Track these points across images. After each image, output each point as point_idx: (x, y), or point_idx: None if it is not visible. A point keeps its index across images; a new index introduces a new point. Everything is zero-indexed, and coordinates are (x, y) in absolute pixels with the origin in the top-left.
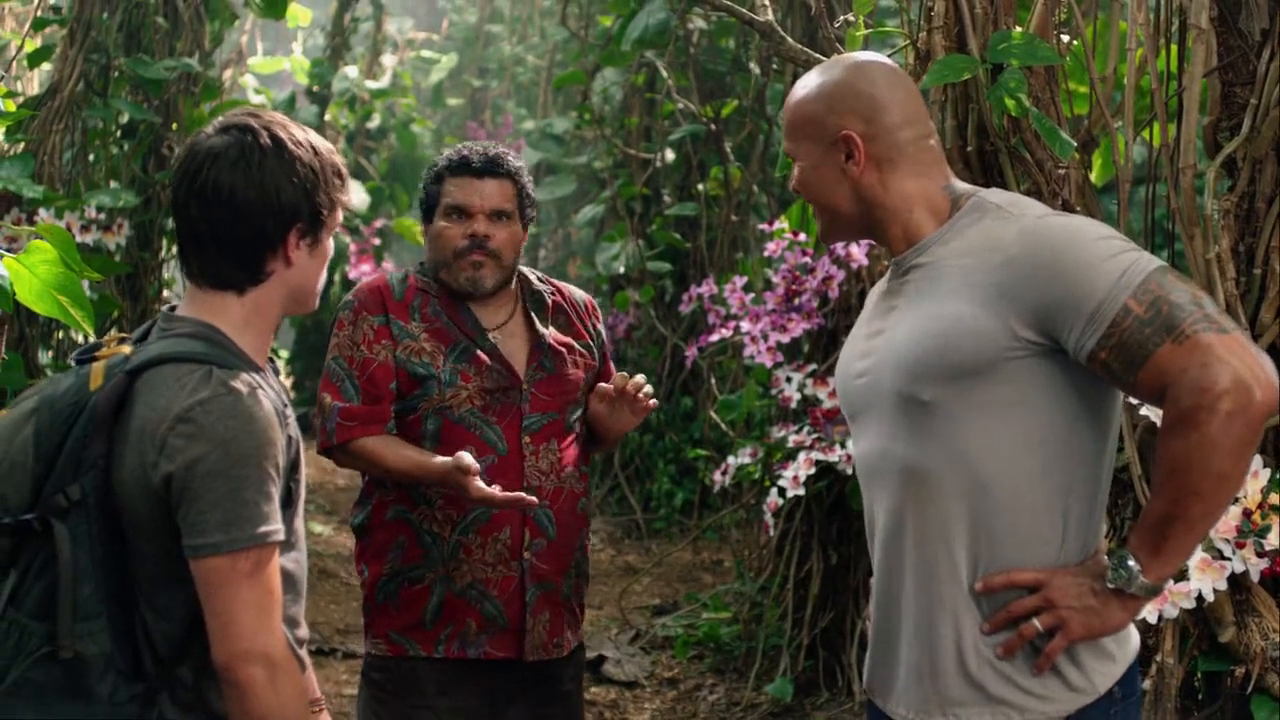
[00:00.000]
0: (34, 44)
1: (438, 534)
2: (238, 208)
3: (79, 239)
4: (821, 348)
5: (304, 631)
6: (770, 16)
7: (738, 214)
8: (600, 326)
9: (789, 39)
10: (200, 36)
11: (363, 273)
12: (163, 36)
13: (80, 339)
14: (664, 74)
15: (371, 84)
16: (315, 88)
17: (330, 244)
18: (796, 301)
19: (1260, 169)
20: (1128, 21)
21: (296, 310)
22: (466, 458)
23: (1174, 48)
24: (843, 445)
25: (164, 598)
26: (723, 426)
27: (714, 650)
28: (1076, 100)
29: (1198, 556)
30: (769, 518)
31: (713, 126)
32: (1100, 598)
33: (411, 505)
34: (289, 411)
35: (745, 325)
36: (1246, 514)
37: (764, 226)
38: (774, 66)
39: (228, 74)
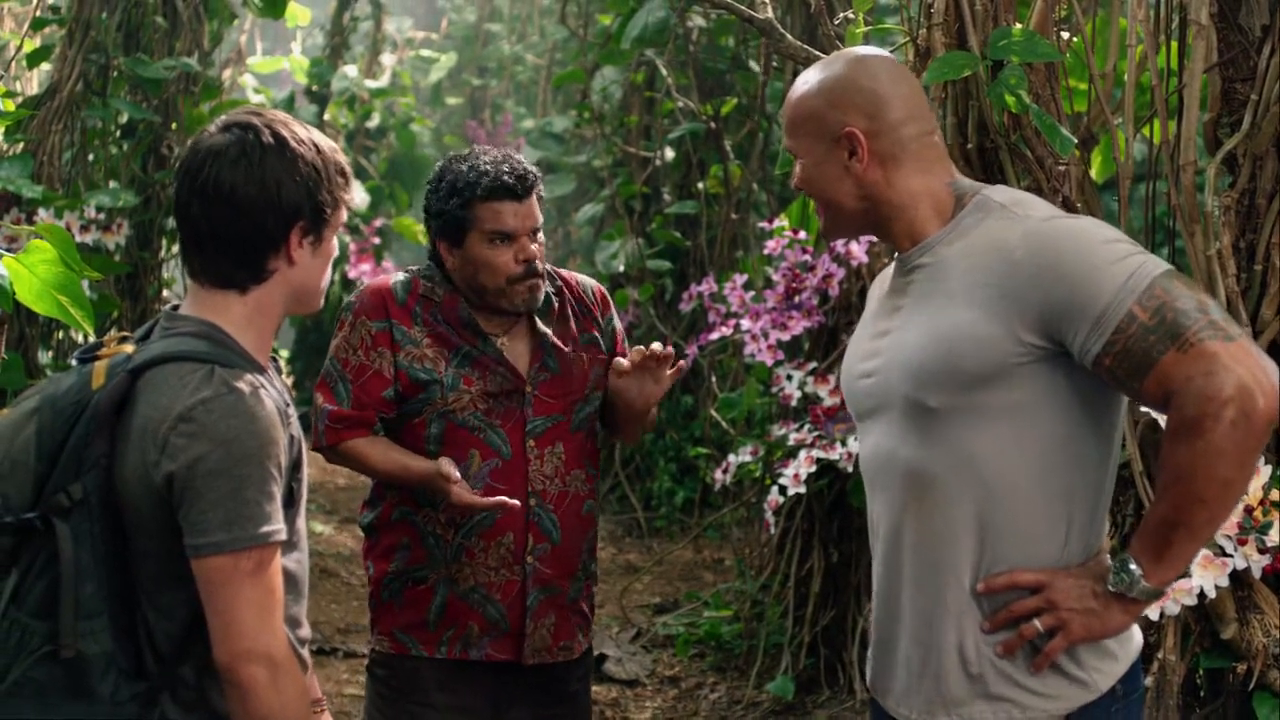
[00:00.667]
0: (33, 44)
1: (441, 536)
2: (239, 205)
3: (79, 239)
4: (822, 345)
5: (306, 631)
6: (770, 14)
7: (738, 212)
8: (613, 317)
9: (789, 36)
10: (199, 36)
11: (362, 272)
12: (162, 36)
13: (80, 339)
14: (663, 72)
15: (371, 83)
16: (314, 87)
17: (334, 243)
18: (797, 299)
19: (1261, 165)
20: (1128, 18)
21: (300, 310)
22: (447, 464)
23: (1174, 44)
24: (844, 443)
25: (166, 597)
26: (723, 425)
27: (715, 648)
28: (1077, 97)
29: (1199, 553)
30: (770, 516)
31: (712, 125)
32: (1101, 600)
33: (416, 507)
34: (291, 411)
35: (745, 323)
36: (1248, 511)
37: (764, 224)
38: (774, 64)
39: (227, 73)
